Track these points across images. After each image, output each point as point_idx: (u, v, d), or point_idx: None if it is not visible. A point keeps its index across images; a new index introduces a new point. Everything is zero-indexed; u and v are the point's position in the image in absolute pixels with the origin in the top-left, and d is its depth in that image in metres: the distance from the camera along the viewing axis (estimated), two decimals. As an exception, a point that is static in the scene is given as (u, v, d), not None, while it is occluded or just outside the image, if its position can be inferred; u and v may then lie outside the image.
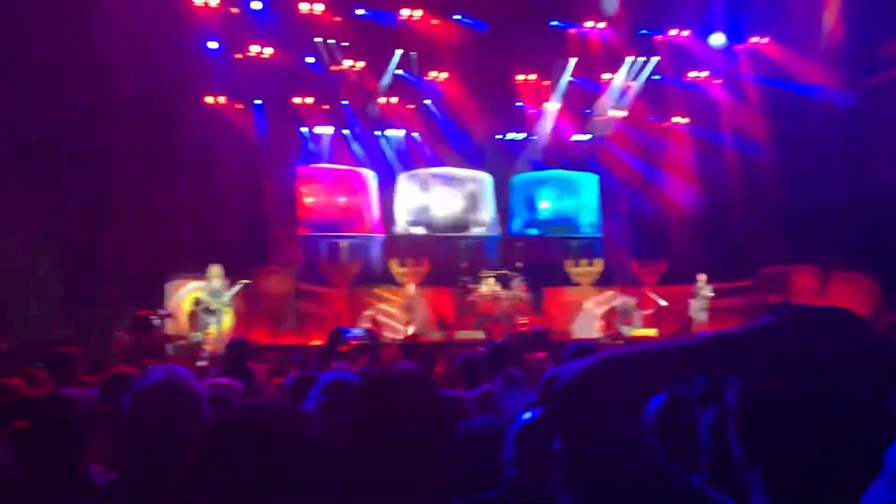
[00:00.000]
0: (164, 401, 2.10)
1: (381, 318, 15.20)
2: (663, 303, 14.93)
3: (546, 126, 18.35)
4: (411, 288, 14.74)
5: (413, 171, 18.33)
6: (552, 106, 18.09)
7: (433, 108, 17.83)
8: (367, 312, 15.39)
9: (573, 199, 18.73)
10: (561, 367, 1.17)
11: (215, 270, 13.72)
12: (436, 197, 18.35)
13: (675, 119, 18.27)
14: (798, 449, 1.11)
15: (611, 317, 14.79)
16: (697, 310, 14.48)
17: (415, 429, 1.53)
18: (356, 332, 6.54)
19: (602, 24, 16.99)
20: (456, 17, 16.42)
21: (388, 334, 14.45)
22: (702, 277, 14.47)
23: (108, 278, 13.53)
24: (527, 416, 2.03)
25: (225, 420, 1.31)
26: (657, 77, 17.85)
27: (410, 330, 14.24)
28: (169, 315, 13.08)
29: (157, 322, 11.09)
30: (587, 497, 1.13)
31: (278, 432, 1.23)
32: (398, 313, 14.55)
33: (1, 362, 6.75)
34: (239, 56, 15.89)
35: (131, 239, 14.06)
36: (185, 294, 14.41)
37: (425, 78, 17.39)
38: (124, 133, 13.88)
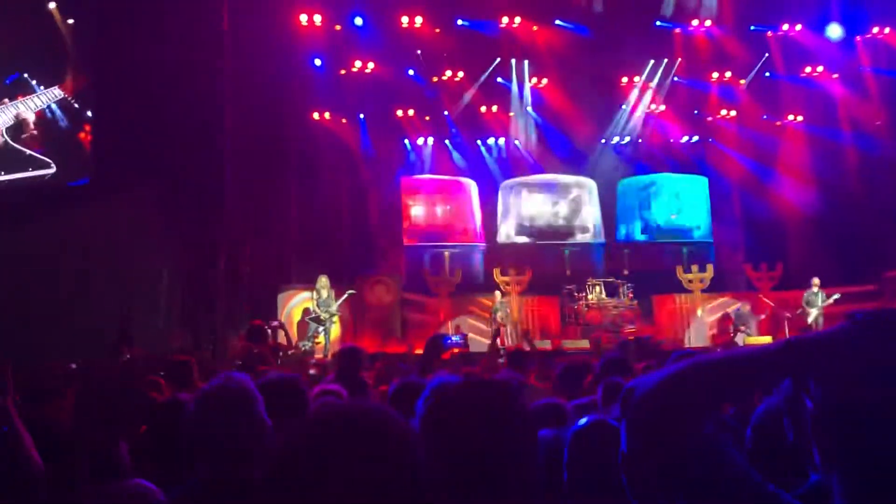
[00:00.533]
0: (221, 404, 2.13)
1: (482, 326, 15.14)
2: (782, 311, 14.23)
3: (653, 128, 17.94)
4: (497, 296, 14.68)
5: (515, 179, 18.28)
6: (659, 108, 17.66)
7: (535, 115, 17.74)
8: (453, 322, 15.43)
9: (683, 203, 18.19)
10: (640, 379, 1.18)
11: (323, 281, 14.09)
12: (539, 204, 18.22)
13: (790, 117, 17.48)
14: (876, 457, 1.08)
15: (725, 323, 14.23)
16: (815, 315, 13.71)
17: (499, 435, 1.52)
18: (456, 339, 6.52)
19: (709, 23, 16.44)
20: (557, 22, 16.28)
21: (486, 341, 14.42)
22: (815, 281, 13.71)
23: (223, 291, 14.11)
24: (582, 421, 2.07)
25: (316, 418, 1.32)
26: (768, 74, 17.12)
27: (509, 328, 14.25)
28: (280, 325, 13.50)
29: (269, 332, 11.45)
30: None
31: (368, 429, 1.22)
32: (492, 322, 14.48)
33: (126, 372, 7.13)
34: (343, 71, 16.32)
35: (244, 252, 14.63)
36: (295, 304, 14.86)
37: (527, 84, 17.32)
38: (236, 151, 14.48)
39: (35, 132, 13.90)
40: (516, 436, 1.57)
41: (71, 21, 14.18)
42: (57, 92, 14.00)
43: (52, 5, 14.08)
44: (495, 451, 1.53)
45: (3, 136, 13.67)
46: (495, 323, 14.30)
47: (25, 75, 14.02)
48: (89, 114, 13.99)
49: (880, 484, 1.07)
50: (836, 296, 13.68)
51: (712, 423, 1.15)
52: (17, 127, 13.83)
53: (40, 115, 13.95)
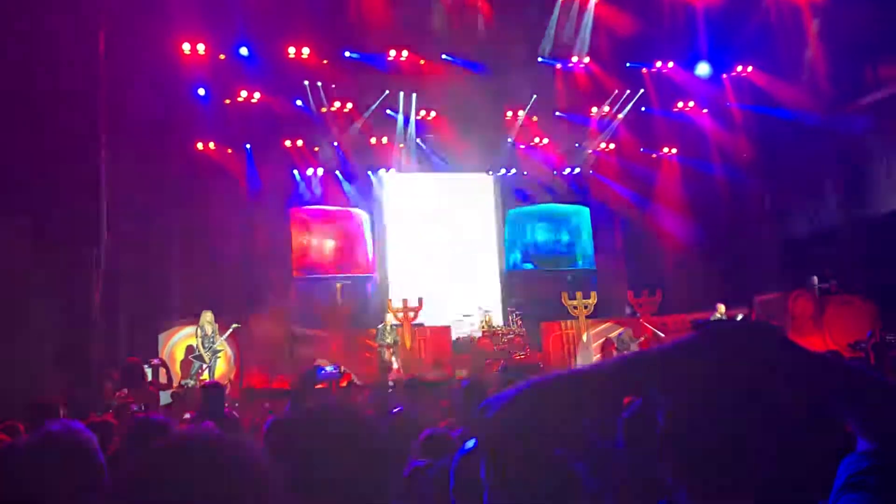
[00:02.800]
0: (52, 453, 2.03)
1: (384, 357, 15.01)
2: (661, 334, 14.83)
3: (536, 160, 18.46)
4: (387, 319, 14.68)
5: (406, 210, 18.36)
6: (542, 141, 18.21)
7: (423, 147, 17.92)
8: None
9: (566, 232, 18.77)
10: (492, 398, 1.16)
11: (208, 316, 13.65)
12: (431, 234, 18.36)
13: (665, 150, 18.39)
14: (722, 465, 1.10)
15: (608, 348, 14.67)
16: None
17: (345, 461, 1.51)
18: (330, 369, 6.42)
19: (587, 59, 17.16)
20: (444, 56, 16.58)
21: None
22: (720, 308, 14.30)
23: (101, 329, 13.43)
24: (469, 445, 2.02)
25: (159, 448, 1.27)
26: (644, 108, 17.99)
27: (396, 365, 14.15)
28: (161, 363, 12.97)
29: (146, 370, 10.99)
30: None
31: (208, 457, 1.17)
32: (389, 354, 14.40)
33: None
34: (228, 101, 16.01)
35: (122, 287, 13.99)
36: (177, 341, 14.30)
37: (415, 117, 17.49)
38: (115, 180, 13.89)
39: None
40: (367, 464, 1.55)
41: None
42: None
43: None
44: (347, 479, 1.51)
45: None
46: (386, 349, 14.21)
47: None
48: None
49: (730, 493, 1.10)
50: (740, 316, 14.23)
51: (564, 443, 1.15)
52: None
53: None
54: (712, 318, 14.18)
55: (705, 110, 18.05)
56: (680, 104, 18.01)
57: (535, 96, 17.46)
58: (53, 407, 5.75)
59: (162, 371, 12.14)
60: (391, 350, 14.39)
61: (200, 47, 15.20)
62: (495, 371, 12.91)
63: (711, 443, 1.11)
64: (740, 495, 1.10)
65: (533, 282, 18.04)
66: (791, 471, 1.13)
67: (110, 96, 13.50)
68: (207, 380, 13.13)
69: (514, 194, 18.99)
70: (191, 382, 13.01)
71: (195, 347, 13.57)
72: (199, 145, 16.21)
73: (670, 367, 1.14)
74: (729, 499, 1.11)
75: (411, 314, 15.70)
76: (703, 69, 17.50)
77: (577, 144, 18.51)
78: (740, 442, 1.09)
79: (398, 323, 15.30)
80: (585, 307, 15.95)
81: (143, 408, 6.15)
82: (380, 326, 14.63)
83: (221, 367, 13.78)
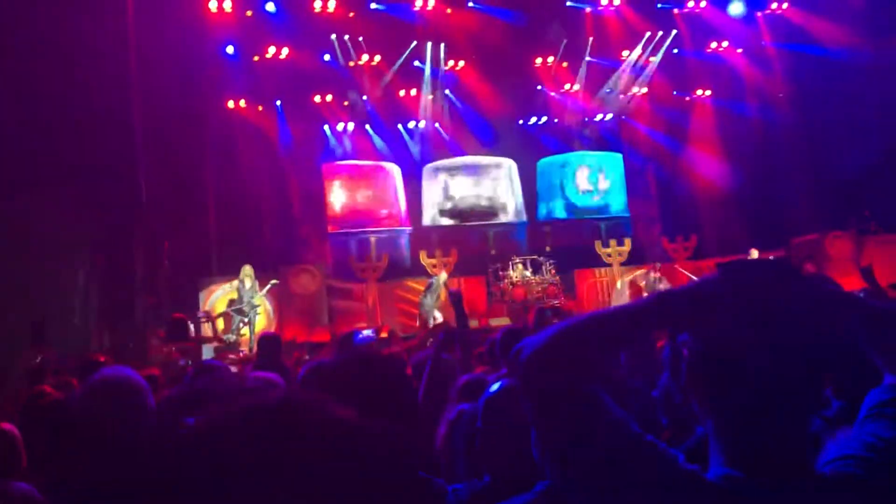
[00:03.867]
0: (108, 395, 2.11)
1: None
2: (695, 279, 14.76)
3: (568, 108, 18.24)
4: (441, 277, 14.67)
5: (437, 162, 18.34)
6: (573, 87, 17.97)
7: (453, 98, 17.81)
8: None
9: (599, 179, 18.61)
10: (527, 339, 1.23)
11: (247, 270, 13.89)
12: (461, 186, 18.34)
13: (699, 92, 18.04)
14: (748, 398, 1.16)
15: (635, 292, 14.68)
16: None
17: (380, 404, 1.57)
18: (368, 333, 6.50)
19: (618, 2, 16.80)
20: (470, 4, 16.35)
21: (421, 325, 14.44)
22: (753, 252, 14.17)
23: (143, 288, 13.77)
24: (494, 387, 2.07)
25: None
26: (677, 51, 17.61)
27: (440, 318, 14.24)
28: (206, 317, 13.26)
29: (191, 325, 11.26)
30: (558, 460, 1.19)
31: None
32: (428, 305, 14.49)
33: (38, 375, 6.92)
34: (256, 58, 16.02)
35: (163, 246, 14.29)
36: (218, 297, 14.61)
37: (443, 68, 17.35)
38: (150, 143, 14.08)
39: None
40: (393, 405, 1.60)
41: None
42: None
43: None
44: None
45: None
46: (423, 313, 14.29)
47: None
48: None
49: (746, 422, 1.16)
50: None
51: (595, 379, 1.20)
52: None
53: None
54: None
55: (739, 50, 17.61)
56: (713, 45, 17.58)
57: (564, 42, 17.18)
58: (102, 363, 5.99)
59: (205, 326, 12.42)
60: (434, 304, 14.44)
61: (227, 4, 15.17)
62: (531, 318, 13.00)
63: (735, 375, 1.16)
64: (764, 425, 1.15)
65: (566, 230, 18.00)
66: (811, 400, 1.18)
67: (141, 59, 13.61)
68: (248, 334, 13.45)
69: (545, 143, 18.83)
70: (232, 337, 13.32)
71: (236, 302, 13.85)
72: (231, 104, 16.30)
73: (695, 304, 1.19)
74: (753, 428, 1.16)
75: (445, 265, 15.81)
76: (736, 8, 17.03)
77: (608, 90, 18.22)
78: (762, 374, 1.14)
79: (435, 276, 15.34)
80: (619, 254, 15.91)
81: (188, 362, 6.32)
82: (432, 281, 14.59)
83: (262, 321, 14.07)
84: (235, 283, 13.98)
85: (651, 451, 1.15)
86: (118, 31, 13.23)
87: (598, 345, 1.21)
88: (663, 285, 14.06)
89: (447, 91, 17.72)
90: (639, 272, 15.89)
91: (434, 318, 14.16)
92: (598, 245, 16.08)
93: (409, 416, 1.57)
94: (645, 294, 14.62)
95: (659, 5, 16.98)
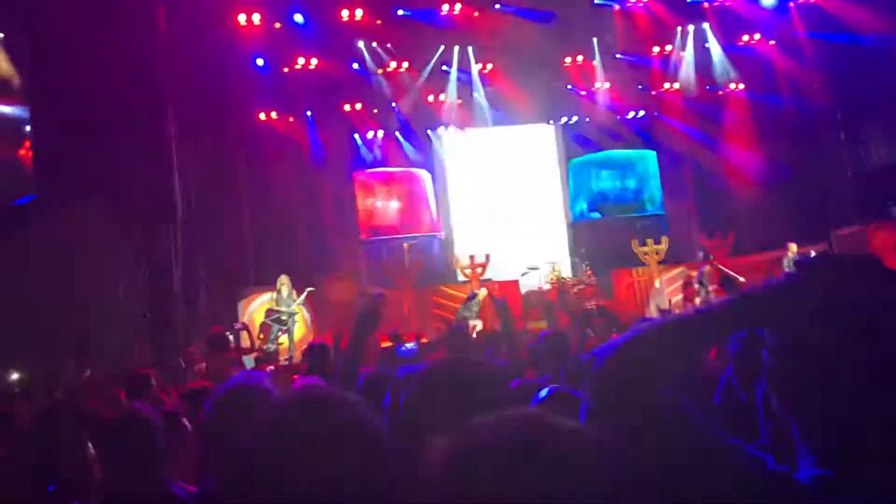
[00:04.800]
0: (241, 403, 2.11)
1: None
2: (741, 279, 14.48)
3: (599, 106, 18.11)
4: (482, 293, 14.57)
5: (470, 165, 18.32)
6: (603, 85, 17.84)
7: (482, 101, 17.77)
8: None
9: (633, 177, 18.43)
10: (596, 350, 1.21)
11: (283, 280, 13.99)
12: (494, 189, 18.29)
13: (731, 86, 17.80)
14: (832, 397, 1.13)
15: (689, 289, 14.50)
16: None
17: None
18: (409, 346, 6.42)
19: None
20: (497, 6, 16.31)
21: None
22: (792, 247, 13.93)
23: (182, 301, 13.91)
24: (543, 393, 2.09)
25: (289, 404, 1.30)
26: (708, 44, 17.40)
27: (479, 326, 14.15)
28: (244, 327, 13.34)
29: (230, 337, 11.29)
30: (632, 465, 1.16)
31: (335, 415, 1.22)
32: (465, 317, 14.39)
33: (85, 389, 6.99)
34: (286, 69, 16.14)
35: (200, 259, 14.44)
36: (256, 307, 14.71)
37: (472, 71, 17.34)
38: (183, 157, 14.24)
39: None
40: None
41: (1, 35, 13.79)
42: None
43: (-21, 21, 13.66)
44: None
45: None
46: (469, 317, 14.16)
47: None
48: (28, 129, 13.66)
49: (837, 421, 1.12)
50: (812, 253, 13.82)
51: (673, 386, 1.17)
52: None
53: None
54: (786, 258, 13.85)
55: (772, 42, 17.33)
56: (745, 37, 17.34)
57: (594, 39, 17.07)
58: (148, 377, 6.02)
59: (244, 335, 12.48)
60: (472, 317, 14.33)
61: (256, 17, 15.31)
62: (565, 320, 12.91)
63: (818, 379, 1.13)
64: (849, 431, 1.11)
65: (601, 231, 17.84)
66: None
67: (173, 73, 13.78)
68: (287, 343, 13.51)
69: (577, 142, 18.71)
70: (271, 346, 13.39)
71: (273, 310, 13.93)
72: (262, 115, 16.44)
73: (774, 306, 1.16)
74: (837, 435, 1.12)
75: (479, 270, 15.76)
76: (768, -1, 16.80)
77: (639, 86, 18.06)
78: (847, 377, 1.10)
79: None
80: (657, 253, 15.72)
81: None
82: (473, 294, 14.45)
83: (300, 329, 14.14)
84: (273, 293, 14.07)
85: (739, 456, 1.12)
86: (151, 47, 13.40)
87: (675, 351, 1.19)
88: (712, 285, 13.90)
89: (476, 94, 17.70)
90: (677, 271, 15.70)
91: (473, 328, 14.10)
92: (634, 244, 15.91)
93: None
94: (697, 290, 14.50)
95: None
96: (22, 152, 13.77)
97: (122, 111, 12.76)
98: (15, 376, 9.25)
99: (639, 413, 1.13)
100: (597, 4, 16.62)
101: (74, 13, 12.27)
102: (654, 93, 18.12)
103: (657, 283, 15.64)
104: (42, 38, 13.01)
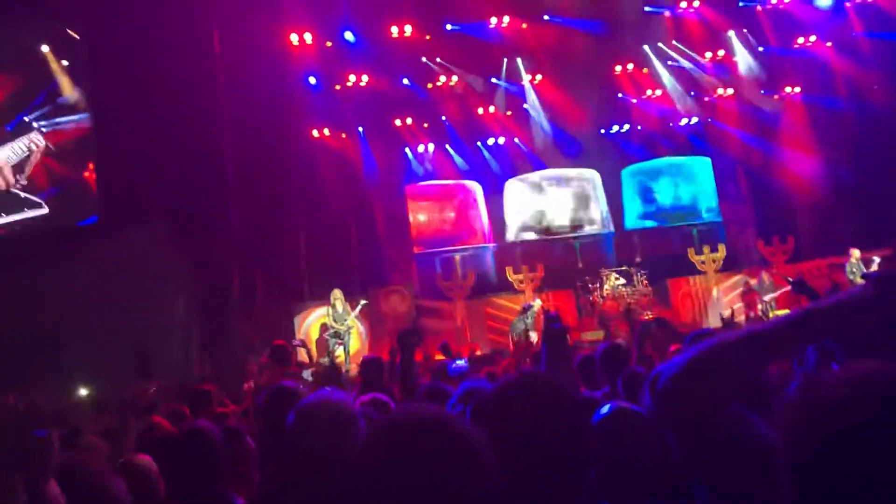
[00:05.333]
0: (324, 417, 2.17)
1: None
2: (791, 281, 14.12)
3: (651, 114, 17.91)
4: (536, 304, 14.46)
5: (519, 177, 18.29)
6: (655, 92, 17.65)
7: (532, 111, 17.75)
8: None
9: (688, 185, 18.13)
10: (665, 364, 1.23)
11: (337, 294, 14.14)
12: (545, 200, 18.20)
13: (787, 89, 17.42)
14: None
15: (749, 296, 14.18)
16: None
17: (553, 429, 1.51)
18: (460, 363, 6.44)
19: (697, 3, 16.44)
20: (546, 17, 16.30)
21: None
22: (855, 252, 13.53)
23: (239, 316, 14.19)
24: (605, 409, 2.05)
25: (393, 424, 1.29)
26: (762, 48, 17.08)
27: (535, 337, 14.06)
28: (302, 343, 13.53)
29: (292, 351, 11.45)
30: (711, 486, 1.18)
31: (444, 437, 1.20)
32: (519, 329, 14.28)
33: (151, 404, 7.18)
34: (338, 87, 16.40)
35: (257, 274, 14.72)
36: (312, 322, 14.91)
37: (523, 82, 17.34)
38: (239, 174, 14.57)
39: (39, 175, 14.08)
40: (571, 425, 1.57)
41: (65, 63, 14.33)
42: (57, 134, 14.19)
43: (45, 48, 14.23)
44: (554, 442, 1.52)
45: (7, 178, 13.85)
46: (514, 336, 14.06)
47: (26, 119, 14.20)
48: (91, 153, 14.15)
49: None
50: (877, 260, 13.38)
51: (738, 402, 1.17)
52: (21, 170, 14.02)
53: (43, 157, 14.12)
54: (848, 263, 13.44)
55: (829, 44, 16.91)
56: (801, 40, 16.96)
57: (645, 47, 16.91)
58: (208, 392, 6.16)
59: (301, 351, 12.66)
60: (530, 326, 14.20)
61: (308, 36, 15.61)
62: (624, 328, 12.75)
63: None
64: None
65: (656, 239, 17.60)
66: None
67: (228, 93, 14.14)
68: (342, 356, 13.65)
69: (629, 150, 18.52)
70: (327, 360, 13.53)
71: (328, 325, 14.10)
72: (315, 132, 16.70)
73: (844, 321, 1.14)
74: None
75: (533, 280, 15.69)
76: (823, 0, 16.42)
77: (692, 93, 17.82)
78: None
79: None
80: (714, 261, 15.45)
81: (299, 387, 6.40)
82: (527, 306, 14.34)
83: (355, 343, 14.27)
84: (327, 307, 14.25)
85: None
86: (207, 69, 13.78)
87: (743, 366, 1.18)
88: (773, 293, 13.59)
89: (526, 105, 17.69)
90: (736, 278, 15.39)
91: (529, 339, 14.02)
92: (690, 252, 15.66)
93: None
94: (758, 298, 14.18)
95: (741, 3, 16.51)
96: (86, 175, 14.25)
97: (180, 131, 13.13)
98: (83, 392, 9.53)
99: (705, 430, 1.14)
100: (647, 12, 16.46)
101: (133, 39, 12.69)
102: (706, 99, 17.85)
103: (715, 293, 15.36)
104: (103, 62, 13.48)
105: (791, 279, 5.28)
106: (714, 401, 1.14)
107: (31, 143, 14.06)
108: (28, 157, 14.07)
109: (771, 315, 13.39)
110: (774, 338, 1.18)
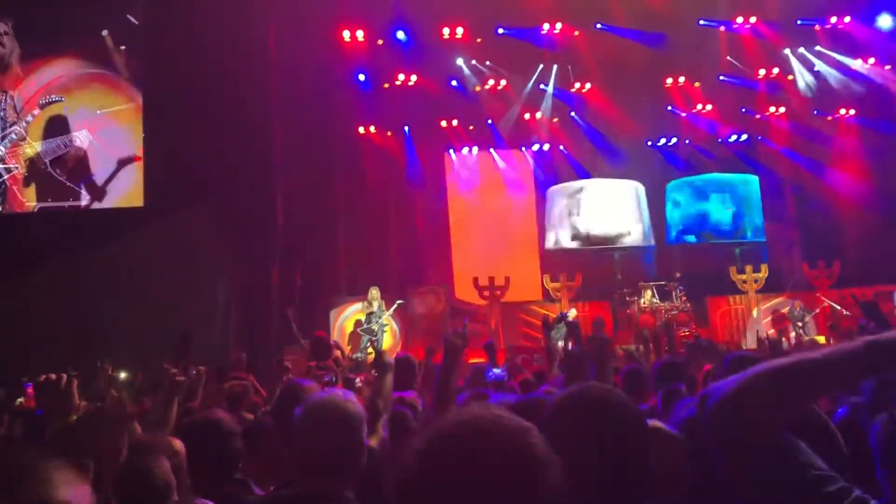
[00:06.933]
0: (330, 416, 2.18)
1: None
2: (840, 308, 13.84)
3: (700, 128, 17.69)
4: (571, 313, 14.39)
5: (562, 185, 18.17)
6: (705, 107, 17.43)
7: (579, 120, 17.65)
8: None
9: (734, 202, 17.83)
10: (714, 386, 1.20)
11: (374, 293, 14.23)
12: (587, 208, 18.04)
13: (842, 111, 17.08)
14: None
15: (781, 323, 13.93)
16: None
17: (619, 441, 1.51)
18: (498, 371, 6.39)
19: (753, 19, 16.20)
20: (598, 26, 16.19)
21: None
22: None
23: (277, 307, 14.33)
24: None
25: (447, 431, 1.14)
26: (816, 68, 16.77)
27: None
28: (336, 345, 13.61)
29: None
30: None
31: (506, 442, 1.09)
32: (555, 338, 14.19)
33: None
34: (386, 85, 16.48)
35: (297, 266, 14.85)
36: (347, 317, 15.01)
37: (570, 90, 17.25)
38: (285, 167, 14.73)
39: (86, 161, 14.39)
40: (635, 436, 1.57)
41: (123, 48, 14.63)
42: (108, 119, 14.48)
43: (104, 32, 14.53)
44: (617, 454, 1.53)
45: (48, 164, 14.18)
46: (550, 344, 13.92)
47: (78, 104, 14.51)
48: (142, 137, 14.41)
49: None
50: None
51: (789, 429, 1.16)
52: (70, 156, 14.34)
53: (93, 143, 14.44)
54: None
55: (888, 67, 16.53)
56: (858, 61, 16.62)
57: (696, 61, 16.71)
58: (245, 381, 6.23)
59: (335, 350, 12.75)
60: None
61: (360, 34, 15.71)
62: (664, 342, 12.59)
63: None
64: None
65: (697, 255, 17.35)
66: None
67: (280, 87, 14.30)
68: (374, 354, 13.70)
69: (675, 164, 18.30)
70: (360, 356, 13.62)
71: (363, 322, 14.18)
72: (361, 129, 16.81)
73: None
74: None
75: (568, 291, 15.60)
76: (885, 21, 16.05)
77: (742, 109, 17.56)
78: None
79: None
80: (756, 281, 15.22)
81: (334, 379, 6.46)
82: (563, 315, 14.27)
83: (388, 340, 14.34)
84: (364, 303, 14.34)
85: None
86: (261, 62, 13.95)
87: (797, 394, 1.16)
88: (808, 318, 13.31)
89: (573, 113, 17.59)
90: (777, 300, 15.13)
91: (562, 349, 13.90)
92: (732, 271, 15.44)
93: None
94: (790, 326, 13.94)
95: (799, 21, 16.21)
96: (136, 160, 14.51)
97: (230, 121, 13.32)
98: (122, 376, 9.70)
99: (753, 454, 1.12)
100: (702, 25, 16.26)
101: (189, 29, 12.91)
102: (757, 116, 17.57)
103: (755, 313, 15.13)
104: (160, 51, 13.73)
105: (860, 300, 5.19)
106: (774, 425, 1.12)
107: (76, 139, 14.37)
108: (76, 142, 14.38)
109: (806, 340, 13.15)
110: (829, 370, 1.15)
